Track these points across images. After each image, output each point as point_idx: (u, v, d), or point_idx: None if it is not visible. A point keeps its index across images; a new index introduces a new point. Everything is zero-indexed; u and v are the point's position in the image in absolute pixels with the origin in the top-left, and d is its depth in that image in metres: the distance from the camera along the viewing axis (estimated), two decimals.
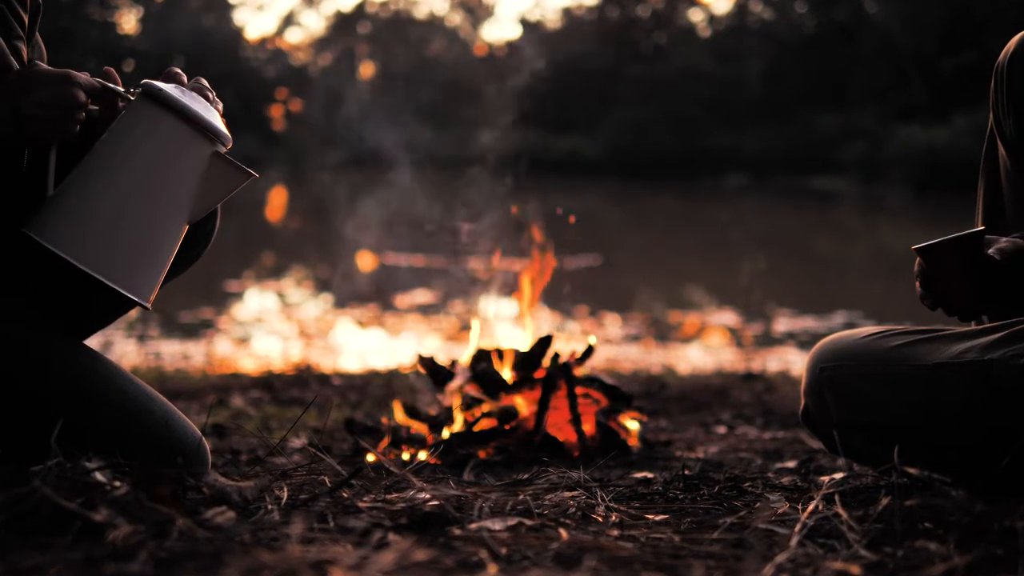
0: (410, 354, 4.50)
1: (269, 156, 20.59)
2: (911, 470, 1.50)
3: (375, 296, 7.43)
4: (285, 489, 1.33)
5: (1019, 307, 1.51)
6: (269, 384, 3.57)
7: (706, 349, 5.71)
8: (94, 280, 1.44)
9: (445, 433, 2.32)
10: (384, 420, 2.49)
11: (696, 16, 35.96)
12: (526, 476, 1.69)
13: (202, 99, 1.50)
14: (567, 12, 35.83)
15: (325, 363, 4.51)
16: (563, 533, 1.21)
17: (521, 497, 1.41)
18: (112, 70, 1.52)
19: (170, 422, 1.51)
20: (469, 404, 2.37)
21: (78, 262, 1.43)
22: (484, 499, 1.37)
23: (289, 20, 36.46)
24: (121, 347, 5.11)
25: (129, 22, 31.66)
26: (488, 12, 37.35)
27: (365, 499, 1.33)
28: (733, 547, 1.20)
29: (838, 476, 1.72)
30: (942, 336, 1.53)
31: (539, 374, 2.41)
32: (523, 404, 2.38)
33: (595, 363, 3.84)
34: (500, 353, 2.48)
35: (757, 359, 5.10)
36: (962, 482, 1.41)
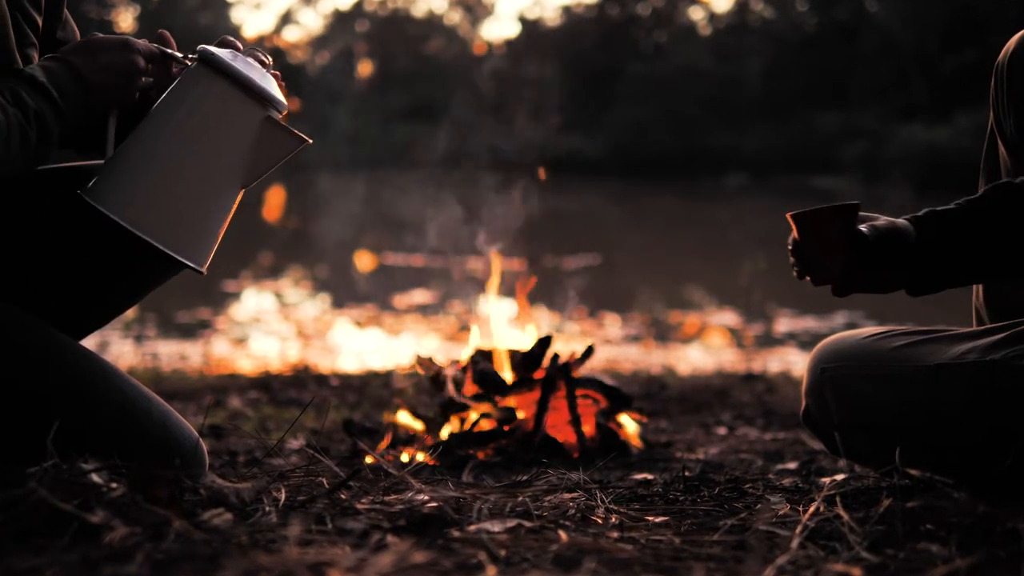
0: (408, 354, 4.49)
1: None
2: (913, 471, 1.49)
3: (374, 296, 7.43)
4: (283, 491, 1.32)
5: (883, 287, 1.51)
6: (267, 385, 3.56)
7: (706, 349, 5.70)
8: (101, 272, 1.44)
9: (444, 434, 2.31)
10: (383, 421, 2.49)
11: (696, 14, 36.00)
12: (525, 477, 1.68)
13: (257, 65, 1.52)
14: (567, 10, 35.86)
15: (323, 364, 4.50)
16: (562, 535, 1.21)
17: (520, 499, 1.41)
18: (167, 34, 1.55)
19: (168, 423, 1.50)
20: (468, 405, 2.37)
21: (133, 228, 1.44)
22: (483, 501, 1.37)
23: (287, 18, 36.54)
24: (118, 347, 5.11)
25: (126, 20, 31.73)
26: (487, 10, 37.36)
27: (363, 501, 1.33)
28: (734, 549, 1.20)
29: (839, 477, 1.71)
30: (944, 337, 1.53)
31: (538, 375, 2.40)
32: (522, 405, 2.38)
33: (595, 364, 3.83)
34: (499, 354, 2.47)
35: (758, 359, 5.10)
36: (964, 484, 1.41)
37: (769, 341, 6.05)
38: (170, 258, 1.46)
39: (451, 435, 2.29)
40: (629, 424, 2.45)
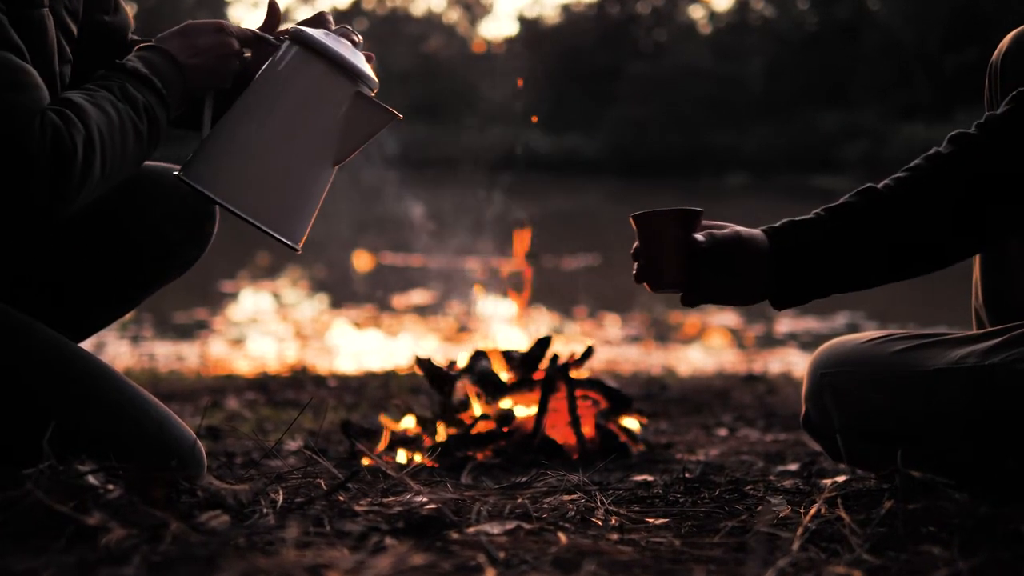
0: (407, 355, 4.49)
1: None
2: (914, 473, 1.49)
3: (372, 296, 7.43)
4: (280, 492, 1.32)
5: (738, 298, 1.50)
6: (264, 386, 3.55)
7: (707, 350, 5.70)
8: (101, 273, 1.44)
9: (442, 435, 2.30)
10: (381, 422, 2.48)
11: (697, 13, 36.02)
12: (525, 479, 1.67)
13: (348, 42, 1.55)
14: (566, 8, 35.84)
15: (321, 364, 4.50)
16: (562, 537, 1.20)
17: (520, 500, 1.40)
18: (277, 5, 1.61)
19: (165, 425, 1.50)
20: (467, 406, 2.36)
21: (230, 205, 1.47)
22: (482, 502, 1.36)
23: (285, 17, 36.46)
24: (114, 348, 5.10)
25: None
26: (485, 9, 37.34)
27: (361, 503, 1.32)
28: (734, 551, 1.19)
29: (840, 479, 1.71)
30: (943, 341, 1.52)
31: (538, 376, 2.39)
32: (521, 406, 2.37)
33: (594, 364, 3.83)
34: (498, 354, 2.46)
35: (759, 360, 5.10)
36: (966, 485, 1.40)
37: (770, 342, 6.04)
38: (266, 234, 1.49)
39: (450, 436, 2.28)
40: (629, 425, 2.44)
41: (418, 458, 2.20)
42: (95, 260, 1.65)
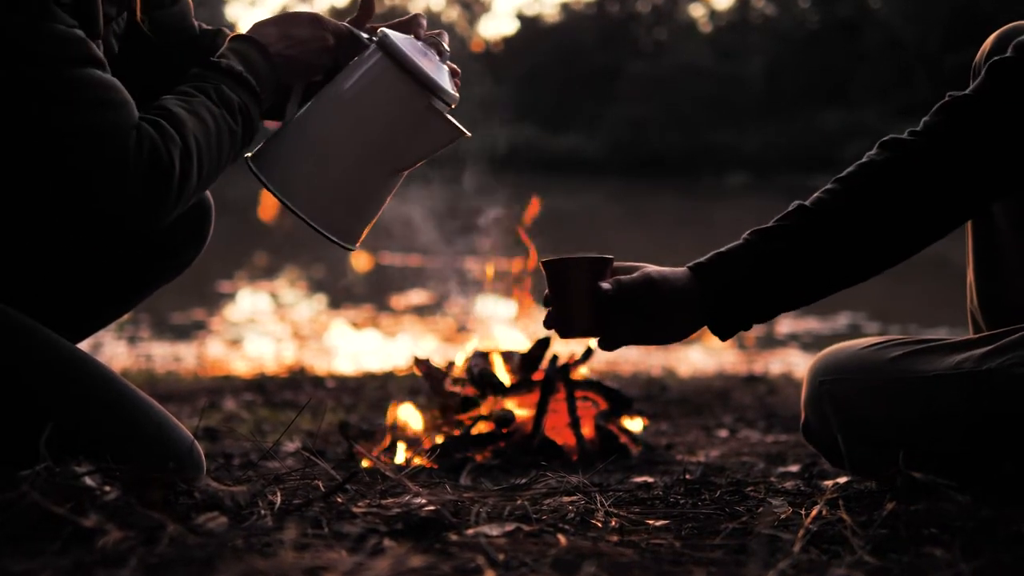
0: (406, 356, 4.48)
1: None
2: (916, 475, 1.48)
3: (371, 297, 7.42)
4: (278, 494, 1.31)
5: (667, 336, 1.49)
6: (262, 386, 3.55)
7: (707, 351, 5.68)
8: (100, 273, 1.44)
9: (441, 437, 2.30)
10: (379, 423, 2.47)
11: (697, 12, 36.04)
12: (524, 480, 1.66)
13: (433, 53, 1.54)
14: (565, 7, 35.84)
15: (319, 365, 4.49)
16: (562, 539, 1.19)
17: (519, 502, 1.39)
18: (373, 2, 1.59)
19: (163, 426, 1.49)
20: (466, 407, 2.35)
21: (287, 199, 1.47)
22: (481, 504, 1.35)
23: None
24: (111, 349, 5.10)
25: None
26: (484, 7, 37.35)
27: (360, 504, 1.32)
28: (735, 553, 1.19)
29: (842, 481, 1.70)
30: (940, 346, 1.52)
31: (537, 376, 2.38)
32: (521, 407, 2.36)
33: (594, 365, 3.82)
34: (498, 355, 2.46)
35: (759, 361, 5.10)
36: (968, 487, 1.40)
37: (771, 342, 6.04)
38: (319, 234, 1.49)
39: (449, 437, 2.27)
40: (630, 426, 2.43)
41: (417, 459, 2.19)
42: (93, 261, 1.65)
